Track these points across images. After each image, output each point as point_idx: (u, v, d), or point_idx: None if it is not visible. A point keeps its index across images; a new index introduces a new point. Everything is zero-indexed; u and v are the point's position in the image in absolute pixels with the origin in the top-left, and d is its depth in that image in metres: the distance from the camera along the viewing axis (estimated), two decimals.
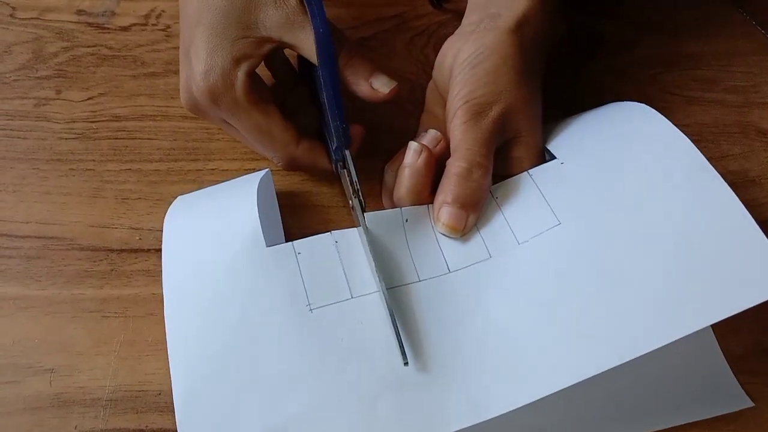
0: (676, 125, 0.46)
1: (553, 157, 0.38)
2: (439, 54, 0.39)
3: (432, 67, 0.40)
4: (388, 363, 0.32)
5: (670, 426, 0.34)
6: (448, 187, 0.35)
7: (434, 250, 0.35)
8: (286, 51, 0.42)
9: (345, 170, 0.37)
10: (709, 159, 0.44)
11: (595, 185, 0.35)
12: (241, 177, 0.39)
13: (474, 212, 0.35)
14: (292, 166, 0.40)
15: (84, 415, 0.33)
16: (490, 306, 0.33)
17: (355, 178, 0.36)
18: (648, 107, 0.38)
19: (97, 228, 0.39)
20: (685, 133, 0.45)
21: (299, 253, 0.34)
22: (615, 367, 0.29)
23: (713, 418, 0.34)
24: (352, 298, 0.33)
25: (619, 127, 0.38)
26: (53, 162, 0.42)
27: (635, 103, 0.40)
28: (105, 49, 0.47)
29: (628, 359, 0.29)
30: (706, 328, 0.34)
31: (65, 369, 0.35)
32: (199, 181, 0.41)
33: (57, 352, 0.35)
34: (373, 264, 0.33)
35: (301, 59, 0.42)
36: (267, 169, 0.39)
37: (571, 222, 0.34)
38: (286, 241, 0.35)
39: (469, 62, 0.37)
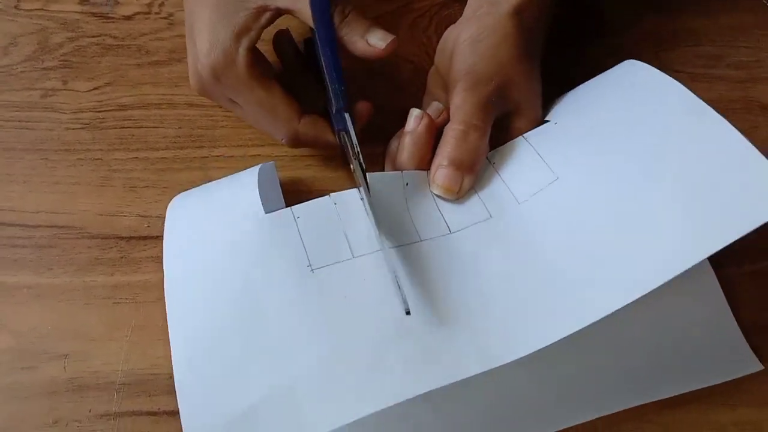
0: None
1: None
2: (441, 40, 0.40)
3: (434, 50, 0.41)
4: (393, 316, 0.32)
5: (679, 392, 0.34)
6: (444, 149, 0.36)
7: (434, 212, 0.35)
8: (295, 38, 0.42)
9: (345, 134, 0.37)
10: None
11: (589, 138, 0.35)
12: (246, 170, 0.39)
13: (469, 174, 0.36)
14: (295, 142, 0.40)
15: (98, 399, 0.34)
16: (492, 262, 0.33)
17: (355, 141, 0.36)
18: (640, 62, 0.38)
19: (106, 216, 0.40)
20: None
21: (298, 217, 0.35)
22: (625, 330, 0.31)
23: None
24: (353, 257, 0.33)
25: (612, 84, 0.38)
26: (61, 152, 0.42)
27: (627, 61, 0.39)
28: (109, 39, 0.48)
29: (641, 294, 0.29)
30: (717, 290, 0.35)
31: (79, 354, 0.35)
32: (204, 168, 0.42)
33: (70, 338, 0.36)
34: (374, 220, 0.33)
35: (308, 42, 0.42)
36: (272, 162, 0.39)
37: (568, 175, 0.34)
38: None
39: (470, 41, 0.37)
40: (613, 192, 0.32)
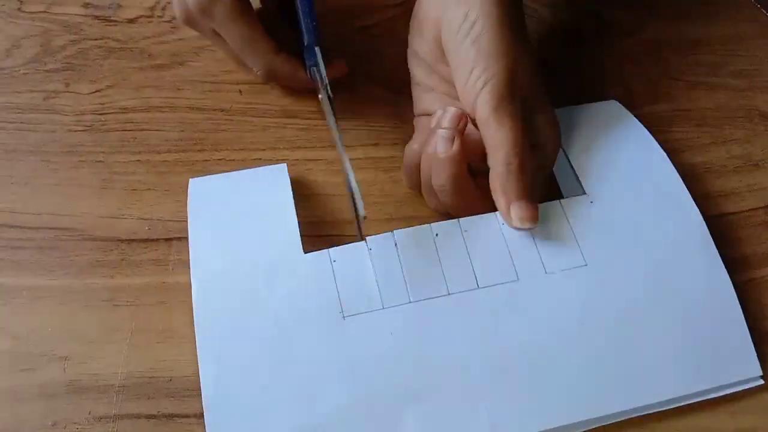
0: (680, 110, 0.46)
1: (576, 179, 0.39)
2: (413, 19, 0.40)
3: None
4: (415, 375, 0.33)
5: (680, 394, 0.34)
6: (508, 185, 0.35)
7: (465, 264, 0.35)
8: None
9: (316, 69, 0.39)
10: (712, 144, 0.45)
11: (619, 235, 0.37)
12: (263, 168, 0.39)
13: (536, 201, 0.35)
14: (270, 75, 0.43)
15: (97, 401, 0.34)
16: (511, 329, 0.34)
17: (323, 72, 0.38)
18: (652, 142, 0.41)
19: (107, 219, 0.40)
20: (688, 118, 0.46)
21: (334, 261, 0.35)
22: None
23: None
24: (383, 308, 0.34)
25: (633, 165, 0.40)
26: (63, 154, 0.42)
27: (642, 130, 0.41)
28: (112, 42, 0.48)
29: (629, 407, 0.33)
30: (730, 289, 0.36)
31: (79, 356, 0.35)
32: (206, 172, 0.42)
33: (70, 340, 0.36)
34: (334, 124, 0.36)
35: None
36: (284, 164, 0.39)
37: (595, 267, 0.35)
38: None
39: (464, 33, 0.36)
40: (628, 303, 0.35)
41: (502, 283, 0.35)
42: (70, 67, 0.46)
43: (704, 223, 0.37)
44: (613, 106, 0.43)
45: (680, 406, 0.34)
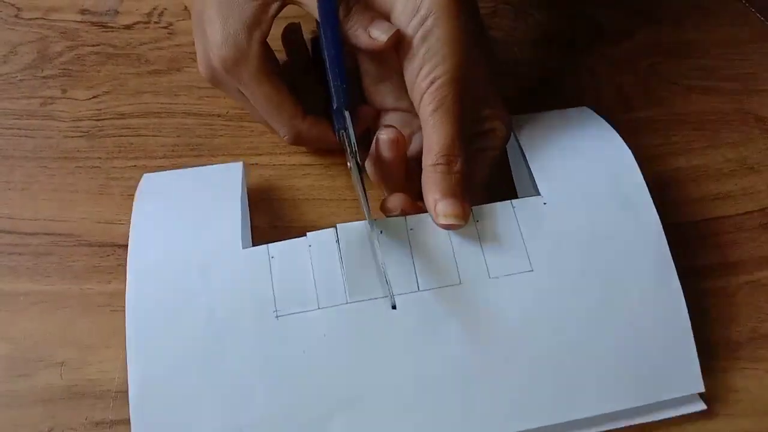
0: (675, 114, 0.46)
1: (533, 182, 0.37)
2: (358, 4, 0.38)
3: None
4: (344, 381, 0.32)
5: (618, 409, 0.33)
6: (434, 185, 0.34)
7: (407, 265, 0.34)
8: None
9: (344, 132, 0.37)
10: (707, 147, 0.45)
11: (570, 240, 0.35)
12: (217, 166, 0.39)
13: (467, 199, 0.35)
14: (298, 140, 0.40)
15: (94, 407, 0.34)
16: (451, 335, 0.33)
17: (353, 139, 0.36)
18: (624, 147, 0.39)
19: (104, 224, 0.40)
20: (683, 122, 0.46)
21: (272, 257, 0.34)
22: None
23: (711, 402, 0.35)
24: (318, 308, 0.33)
25: (596, 168, 0.38)
26: (60, 160, 0.42)
27: (613, 134, 0.39)
28: (109, 48, 0.48)
29: (567, 420, 0.32)
30: (681, 302, 0.35)
31: (75, 362, 0.35)
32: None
33: (67, 345, 0.36)
34: (368, 215, 0.33)
35: (314, 42, 0.42)
36: (240, 162, 0.38)
37: (542, 272, 0.34)
38: (255, 237, 0.35)
39: (414, 27, 0.35)
40: (572, 312, 0.34)
41: (444, 287, 0.34)
42: (67, 73, 0.46)
43: (663, 232, 0.36)
44: (585, 113, 0.41)
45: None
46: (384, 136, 0.36)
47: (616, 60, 0.50)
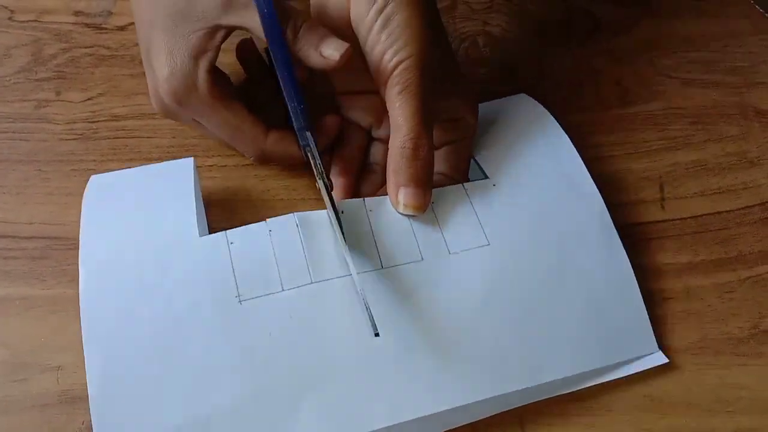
0: (674, 107, 0.46)
1: (481, 170, 0.39)
2: None
3: None
4: (313, 361, 0.32)
5: (580, 371, 0.34)
6: (400, 169, 0.34)
7: (369, 244, 0.34)
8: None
9: (309, 152, 0.36)
10: (707, 141, 0.45)
11: (521, 216, 0.37)
12: (167, 163, 0.38)
13: (429, 188, 0.35)
14: (263, 159, 0.40)
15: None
16: (415, 310, 0.33)
17: (318, 160, 0.36)
18: (560, 131, 0.40)
19: None
20: (682, 115, 0.46)
21: (231, 243, 0.34)
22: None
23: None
24: (282, 290, 0.33)
25: (538, 152, 0.39)
26: (55, 163, 0.42)
27: (550, 119, 0.41)
28: (103, 50, 0.48)
29: (530, 385, 0.33)
30: (629, 269, 0.37)
31: (72, 366, 0.35)
32: (199, 178, 0.41)
33: (63, 349, 0.35)
34: (343, 241, 0.33)
35: (268, 51, 0.42)
36: (191, 158, 0.38)
37: (498, 246, 0.35)
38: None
39: (374, 14, 0.34)
40: (528, 283, 0.35)
41: (407, 263, 0.34)
42: (61, 75, 0.46)
43: (606, 208, 0.38)
44: (523, 99, 0.43)
45: (675, 405, 0.34)
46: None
47: (615, 54, 0.49)
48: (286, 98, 0.36)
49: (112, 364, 0.31)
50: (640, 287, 0.36)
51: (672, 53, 0.49)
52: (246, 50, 0.43)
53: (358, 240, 0.34)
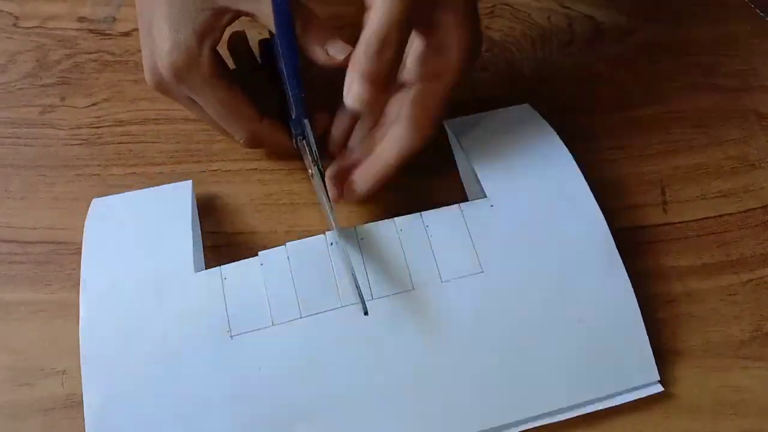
0: (676, 111, 0.46)
1: (479, 185, 0.38)
2: None
3: None
4: (302, 396, 0.32)
5: (576, 403, 0.34)
6: (359, 61, 0.33)
7: (360, 274, 0.34)
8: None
9: (304, 141, 0.37)
10: (708, 145, 0.45)
11: (518, 241, 0.36)
12: (166, 187, 0.38)
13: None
14: (254, 142, 0.40)
15: None
16: (406, 341, 0.33)
17: (314, 147, 0.36)
18: (564, 149, 0.39)
19: None
20: (683, 119, 0.46)
21: (225, 278, 0.34)
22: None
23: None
24: (272, 325, 0.33)
25: (539, 170, 0.38)
26: (59, 168, 0.42)
27: (553, 135, 0.40)
28: (107, 55, 0.48)
29: (523, 417, 0.33)
30: (631, 297, 0.35)
31: (76, 371, 0.35)
32: (202, 183, 0.42)
33: (68, 354, 0.36)
34: (334, 223, 0.34)
35: (263, 43, 0.42)
36: (190, 181, 0.38)
37: (493, 273, 0.35)
38: (255, 243, 0.36)
39: None
40: (524, 312, 0.34)
41: (397, 293, 0.34)
42: (66, 81, 0.46)
43: (609, 229, 0.36)
44: (525, 111, 0.42)
45: (678, 409, 0.34)
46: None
47: (616, 58, 0.49)
48: (287, 86, 0.37)
49: (109, 396, 0.32)
50: (642, 291, 0.36)
51: (673, 57, 0.49)
52: (237, 43, 0.43)
53: (348, 270, 0.34)
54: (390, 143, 0.37)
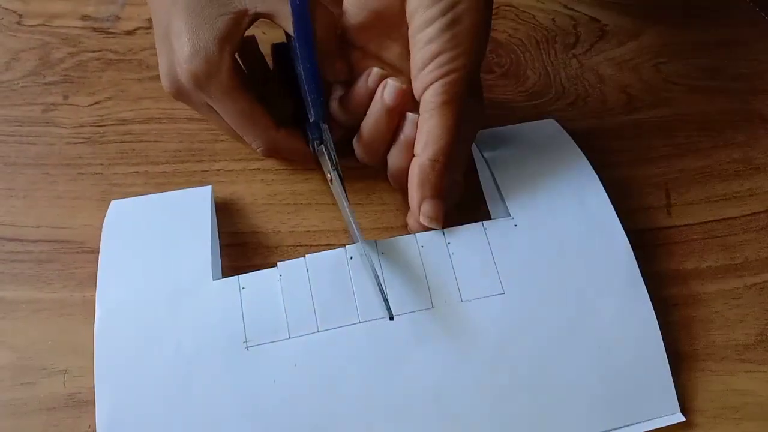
0: (680, 114, 0.46)
1: (502, 200, 0.38)
2: None
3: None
4: (317, 410, 0.32)
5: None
6: (426, 182, 0.34)
7: (378, 292, 0.33)
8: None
9: (322, 146, 0.37)
10: (713, 148, 0.45)
11: (541, 262, 0.35)
12: (185, 191, 0.38)
13: (446, 201, 0.35)
14: (272, 152, 0.40)
15: None
16: (423, 361, 0.33)
17: (333, 151, 0.36)
18: (588, 166, 0.39)
19: None
20: (688, 122, 0.46)
21: (243, 288, 0.34)
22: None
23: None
24: (289, 338, 0.33)
25: (563, 189, 0.38)
26: (62, 167, 0.42)
27: (577, 152, 0.40)
28: (110, 54, 0.48)
29: None
30: (653, 323, 0.35)
31: (78, 370, 0.35)
32: (205, 182, 0.42)
33: (70, 353, 0.36)
34: (352, 221, 0.33)
35: (277, 49, 0.42)
36: (209, 186, 0.38)
37: (514, 295, 0.34)
38: (261, 243, 0.35)
39: (441, 9, 0.33)
40: (544, 336, 0.34)
41: (416, 311, 0.33)
42: (69, 79, 0.46)
43: (631, 251, 0.36)
44: (550, 125, 0.41)
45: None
46: (394, 82, 0.36)
47: (621, 61, 0.49)
48: (305, 89, 0.36)
49: (121, 404, 0.31)
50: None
51: (678, 60, 0.49)
52: (249, 49, 0.42)
53: (368, 286, 0.34)
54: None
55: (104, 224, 0.36)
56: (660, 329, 0.36)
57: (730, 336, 0.37)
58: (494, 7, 0.52)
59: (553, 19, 0.52)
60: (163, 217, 0.37)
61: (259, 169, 0.43)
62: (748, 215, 0.42)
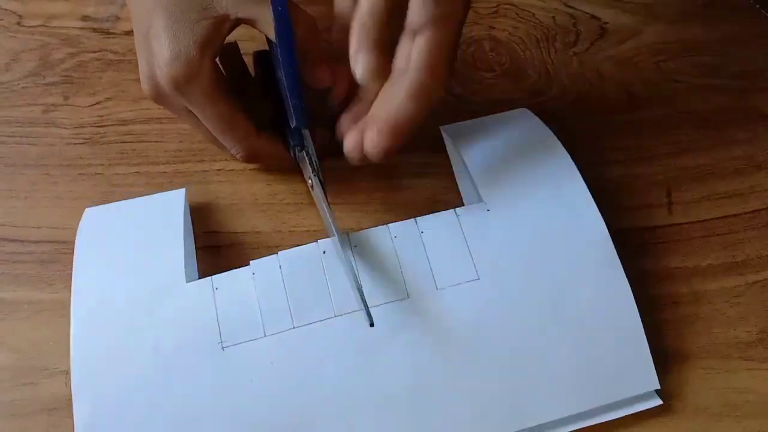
0: (681, 112, 0.46)
1: (476, 189, 0.37)
2: None
3: None
4: (295, 407, 0.32)
5: (575, 412, 0.33)
6: (362, 32, 0.32)
7: (355, 292, 0.33)
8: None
9: (303, 152, 0.37)
10: (713, 146, 0.44)
11: (515, 246, 0.35)
12: (159, 195, 0.38)
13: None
14: (252, 157, 0.39)
15: None
16: (401, 351, 0.33)
17: (314, 157, 0.36)
18: (563, 152, 0.38)
19: None
20: (689, 120, 0.46)
21: (216, 289, 0.34)
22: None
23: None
24: (264, 336, 0.33)
25: (537, 173, 0.38)
26: (63, 167, 0.42)
27: (552, 138, 0.39)
28: (110, 54, 0.48)
29: (522, 428, 0.32)
30: (631, 303, 0.34)
31: None
32: (205, 182, 0.42)
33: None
34: (335, 231, 0.33)
35: (259, 56, 0.42)
36: (183, 189, 0.38)
37: (488, 280, 0.34)
38: (262, 241, 0.35)
39: None
40: (520, 318, 0.34)
41: (392, 302, 0.33)
42: (69, 80, 0.46)
43: (608, 233, 0.35)
44: (524, 115, 0.41)
45: (680, 412, 0.34)
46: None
47: (621, 58, 0.49)
48: (287, 95, 0.36)
49: (100, 409, 0.32)
50: (646, 292, 0.36)
51: (678, 58, 0.49)
52: (230, 55, 0.42)
53: (342, 279, 0.34)
54: (409, 92, 0.32)
55: (78, 231, 0.36)
56: (661, 327, 0.36)
57: (731, 334, 0.37)
58: (494, 5, 0.52)
59: (553, 17, 0.52)
60: (136, 222, 0.37)
61: (259, 169, 0.43)
62: (749, 213, 0.42)
